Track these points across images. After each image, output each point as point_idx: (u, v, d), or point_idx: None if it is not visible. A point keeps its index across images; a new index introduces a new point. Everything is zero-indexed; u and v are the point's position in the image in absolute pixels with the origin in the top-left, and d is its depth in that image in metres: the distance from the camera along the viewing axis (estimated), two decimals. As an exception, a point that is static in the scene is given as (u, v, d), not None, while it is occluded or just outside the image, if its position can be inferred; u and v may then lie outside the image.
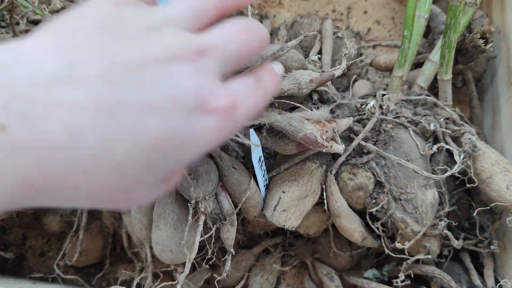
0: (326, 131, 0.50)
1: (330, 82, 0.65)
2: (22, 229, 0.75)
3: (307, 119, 0.48)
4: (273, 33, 0.81)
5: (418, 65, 0.72)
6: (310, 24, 0.79)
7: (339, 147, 0.50)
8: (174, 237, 0.47)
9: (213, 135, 0.27)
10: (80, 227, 0.62)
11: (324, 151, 0.49)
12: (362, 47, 0.82)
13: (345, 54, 0.49)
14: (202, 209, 0.44)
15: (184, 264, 0.47)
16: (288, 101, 0.48)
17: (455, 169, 0.54)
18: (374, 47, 0.84)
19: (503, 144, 0.67)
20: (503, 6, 0.72)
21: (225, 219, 0.50)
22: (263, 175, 0.55)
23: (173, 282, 0.50)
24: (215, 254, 0.56)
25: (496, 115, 0.71)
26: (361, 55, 0.83)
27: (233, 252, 0.51)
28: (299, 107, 0.52)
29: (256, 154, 0.49)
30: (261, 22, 0.85)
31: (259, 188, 0.54)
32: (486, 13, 0.74)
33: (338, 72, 0.48)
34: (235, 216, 0.52)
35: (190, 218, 0.44)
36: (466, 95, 0.74)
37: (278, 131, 0.49)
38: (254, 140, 0.47)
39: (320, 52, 0.75)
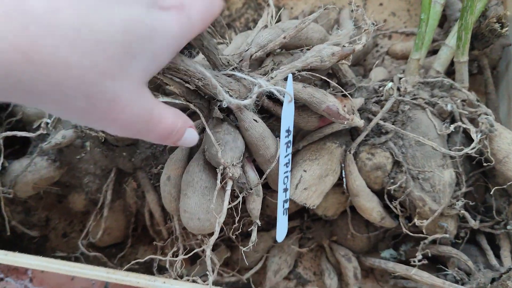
0: (345, 106, 0.52)
1: (348, 67, 0.67)
2: (46, 211, 0.77)
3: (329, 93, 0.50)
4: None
5: (433, 52, 0.73)
6: (327, 13, 0.81)
7: (360, 121, 0.51)
8: (202, 205, 0.48)
9: (173, 27, 0.34)
10: (104, 204, 0.64)
11: (345, 123, 0.51)
12: (378, 35, 0.84)
13: (365, 30, 0.50)
14: (230, 175, 0.46)
15: (210, 234, 0.48)
16: (312, 73, 0.49)
17: (472, 146, 0.55)
18: (390, 37, 0.85)
19: (519, 130, 0.68)
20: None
21: (251, 189, 0.51)
22: (287, 163, 0.52)
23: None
24: (239, 229, 0.57)
25: (511, 102, 0.72)
26: (377, 45, 0.85)
27: (259, 223, 0.52)
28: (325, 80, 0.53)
29: (285, 124, 0.48)
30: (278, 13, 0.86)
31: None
32: (501, 0, 0.75)
33: (358, 46, 0.49)
34: (261, 187, 0.53)
35: (218, 182, 0.46)
36: (481, 83, 0.75)
37: (301, 104, 0.51)
38: (289, 89, 0.47)
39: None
